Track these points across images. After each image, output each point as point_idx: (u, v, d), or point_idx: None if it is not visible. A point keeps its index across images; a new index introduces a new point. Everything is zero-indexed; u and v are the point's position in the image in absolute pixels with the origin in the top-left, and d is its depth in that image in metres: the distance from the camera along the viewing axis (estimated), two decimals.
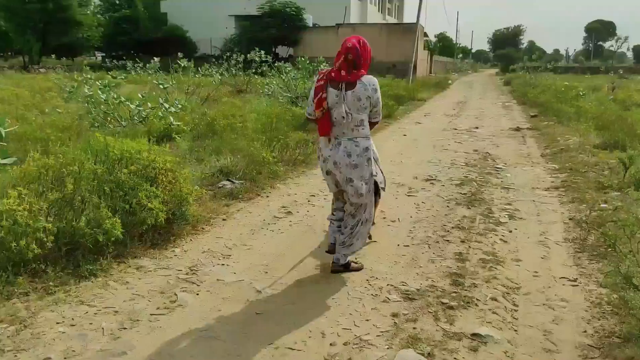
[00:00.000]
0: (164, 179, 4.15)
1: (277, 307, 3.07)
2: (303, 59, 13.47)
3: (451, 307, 3.10)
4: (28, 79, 20.44)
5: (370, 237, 3.99)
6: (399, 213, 4.94)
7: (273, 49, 32.50)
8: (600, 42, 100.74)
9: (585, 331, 2.87)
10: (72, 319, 2.84)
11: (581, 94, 15.76)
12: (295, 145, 7.67)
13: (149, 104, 9.63)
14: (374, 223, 3.87)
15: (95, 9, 41.49)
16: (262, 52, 16.61)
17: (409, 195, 5.58)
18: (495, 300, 3.23)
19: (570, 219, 4.83)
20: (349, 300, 3.18)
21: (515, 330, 2.89)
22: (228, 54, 19.74)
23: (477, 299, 3.22)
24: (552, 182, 6.27)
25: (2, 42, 34.77)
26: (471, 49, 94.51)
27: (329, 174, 3.43)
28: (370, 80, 3.26)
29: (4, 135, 3.03)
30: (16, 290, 3.05)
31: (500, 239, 4.31)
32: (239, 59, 18.46)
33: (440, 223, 4.67)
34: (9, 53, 37.28)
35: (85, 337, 2.66)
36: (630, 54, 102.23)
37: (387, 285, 3.38)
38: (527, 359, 2.62)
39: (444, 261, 3.81)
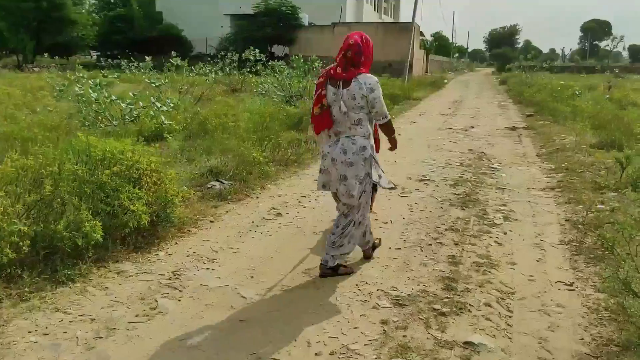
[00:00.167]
0: (149, 180, 4.02)
1: (262, 314, 2.94)
2: (297, 57, 13.34)
3: (443, 314, 2.98)
4: (21, 78, 20.24)
5: (380, 241, 3.93)
6: (391, 214, 4.83)
7: (269, 48, 32.38)
8: (596, 42, 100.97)
9: (582, 339, 2.76)
10: (46, 327, 2.71)
11: (577, 93, 15.70)
12: (288, 144, 7.56)
13: (140, 102, 9.51)
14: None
15: (90, 8, 41.22)
16: (257, 51, 16.50)
17: (402, 196, 5.46)
18: (489, 305, 3.11)
19: (566, 220, 4.72)
20: (337, 306, 3.06)
21: (510, 338, 2.77)
22: (222, 53, 19.61)
23: (470, 305, 3.10)
24: (548, 182, 6.16)
25: None
26: (467, 48, 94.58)
27: (322, 172, 3.38)
28: (367, 79, 3.17)
29: None
30: None
31: (495, 241, 4.19)
32: (233, 57, 18.34)
33: (433, 225, 4.55)
34: (3, 52, 36.96)
35: (58, 348, 2.53)
36: (625, 54, 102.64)
37: (377, 290, 3.26)
38: None
39: (437, 265, 3.69)
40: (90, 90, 9.10)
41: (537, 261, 3.82)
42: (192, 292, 3.19)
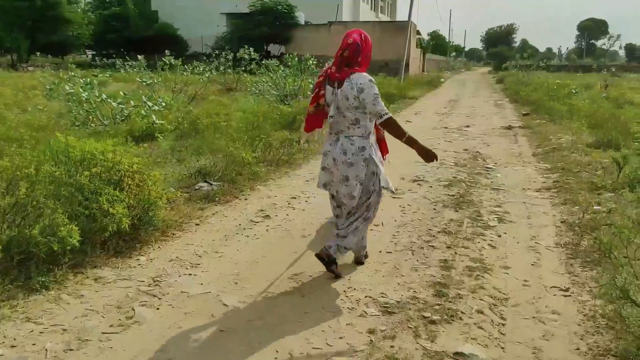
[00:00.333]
0: (131, 182, 3.89)
1: (244, 323, 2.81)
2: (291, 56, 13.22)
3: (433, 322, 2.85)
4: (14, 77, 20.07)
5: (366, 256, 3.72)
6: (383, 216, 4.68)
7: (265, 47, 32.22)
8: (593, 41, 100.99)
9: (578, 348, 2.63)
10: (14, 338, 2.57)
11: (574, 92, 15.60)
12: (280, 144, 7.43)
13: (131, 102, 9.37)
14: None
15: (86, 7, 40.97)
16: (251, 49, 16.37)
17: (394, 198, 5.32)
18: (482, 313, 2.99)
19: (562, 222, 4.61)
20: (323, 314, 2.93)
21: (502, 348, 2.65)
22: (217, 52, 19.46)
23: (461, 312, 2.98)
24: (544, 182, 6.04)
25: None
26: (464, 47, 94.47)
27: (325, 170, 3.32)
28: (359, 78, 3.07)
29: None
30: None
31: (489, 244, 4.07)
32: (228, 56, 18.20)
33: (425, 227, 4.42)
34: None
35: None
36: (622, 52, 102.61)
37: (366, 297, 3.13)
38: None
39: (428, 269, 3.57)
40: (80, 90, 8.97)
41: (532, 265, 3.70)
42: (171, 299, 3.05)
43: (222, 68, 17.92)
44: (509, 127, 10.76)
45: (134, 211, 3.83)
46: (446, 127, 10.81)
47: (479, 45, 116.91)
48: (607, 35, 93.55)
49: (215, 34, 33.21)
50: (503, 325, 2.88)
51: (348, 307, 3.01)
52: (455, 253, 3.87)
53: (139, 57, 15.37)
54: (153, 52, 24.28)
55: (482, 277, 3.46)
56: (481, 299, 3.15)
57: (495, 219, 4.68)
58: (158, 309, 2.93)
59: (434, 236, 4.22)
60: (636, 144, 6.53)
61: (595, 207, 4.84)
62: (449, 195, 5.43)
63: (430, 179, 6.12)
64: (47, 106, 11.05)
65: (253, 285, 3.27)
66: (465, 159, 7.39)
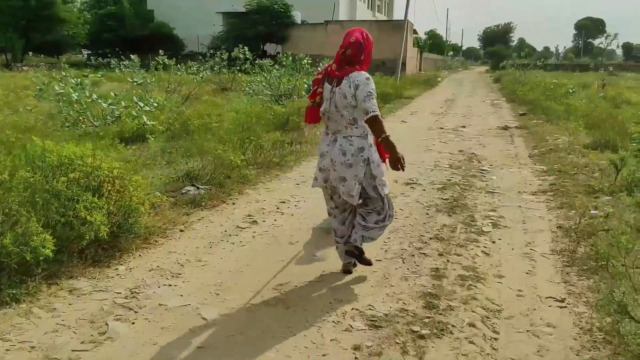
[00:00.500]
0: (111, 188, 3.74)
1: (223, 339, 2.67)
2: (285, 55, 13.07)
3: (422, 337, 2.71)
4: (7, 77, 19.87)
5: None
6: None
7: (261, 47, 32.05)
8: (590, 40, 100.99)
9: None
10: None
11: (571, 91, 15.49)
12: (272, 146, 7.28)
13: (122, 102, 9.22)
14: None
15: (82, 6, 40.68)
16: (246, 49, 16.21)
17: None
18: (474, 326, 2.85)
19: (558, 227, 4.48)
20: (307, 328, 2.79)
21: None
22: (211, 51, 19.30)
23: (452, 325, 2.84)
24: (540, 185, 5.91)
25: None
26: (461, 46, 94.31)
27: (322, 170, 3.27)
28: (356, 76, 3.04)
29: None
30: None
31: (482, 251, 3.94)
32: (223, 56, 18.04)
33: (417, 233, 4.29)
34: None
35: None
36: (619, 51, 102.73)
37: (352, 309, 2.99)
38: None
39: (419, 278, 3.43)
40: (70, 90, 8.82)
41: (527, 273, 3.57)
42: (148, 312, 2.91)
43: (216, 68, 17.76)
44: (505, 128, 10.63)
45: (114, 218, 3.69)
46: (442, 128, 10.68)
47: (476, 44, 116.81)
48: (605, 34, 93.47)
49: (211, 34, 32.98)
50: (496, 339, 2.74)
51: (333, 321, 2.87)
52: (448, 261, 3.73)
53: (132, 56, 15.18)
54: (149, 52, 24.10)
55: (475, 286, 3.33)
56: (473, 311, 3.01)
57: (490, 224, 4.55)
58: (133, 323, 2.79)
59: (426, 243, 4.08)
60: (633, 144, 6.41)
61: (592, 212, 4.70)
62: (442, 199, 5.30)
63: (424, 182, 5.99)
64: (37, 107, 10.90)
65: (235, 297, 3.14)
66: (460, 161, 7.26)
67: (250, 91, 13.34)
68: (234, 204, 5.04)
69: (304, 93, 12.85)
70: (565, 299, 3.18)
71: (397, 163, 3.02)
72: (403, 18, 24.61)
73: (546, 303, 3.13)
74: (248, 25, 31.13)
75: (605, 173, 6.05)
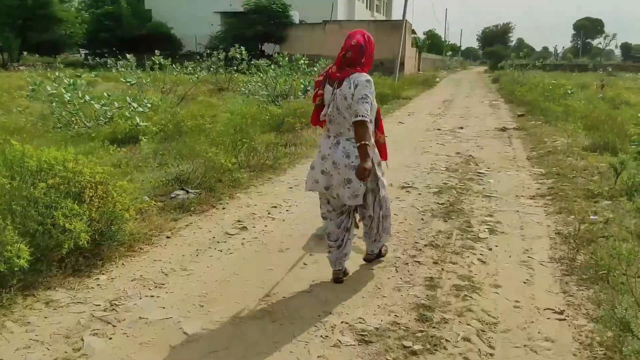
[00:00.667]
0: (93, 194, 3.61)
1: (204, 354, 2.54)
2: (280, 55, 12.95)
3: (414, 353, 2.58)
4: (3, 76, 19.75)
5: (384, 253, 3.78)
6: None
7: (259, 46, 31.90)
8: (589, 40, 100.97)
9: None
10: None
11: (569, 92, 15.37)
12: (265, 148, 7.15)
13: (115, 103, 9.09)
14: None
15: (79, 6, 40.48)
16: (242, 48, 16.08)
17: None
18: (468, 340, 2.72)
19: (557, 233, 4.35)
20: (293, 344, 2.66)
21: None
22: (208, 51, 19.15)
23: (446, 340, 2.71)
24: (538, 189, 5.78)
25: None
26: (460, 46, 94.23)
27: (324, 173, 3.19)
28: (357, 77, 3.02)
29: None
30: None
31: (479, 259, 3.80)
32: (219, 56, 17.90)
33: (412, 240, 4.16)
34: None
35: None
36: (618, 52, 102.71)
37: (342, 322, 2.86)
38: None
39: (412, 289, 3.30)
40: (63, 90, 8.68)
41: (524, 283, 3.44)
42: (127, 326, 2.77)
43: (213, 67, 17.62)
44: (504, 129, 10.50)
45: (96, 225, 3.56)
46: (439, 129, 10.54)
47: (475, 44, 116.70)
48: (603, 35, 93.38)
49: (209, 33, 32.83)
50: (491, 355, 2.61)
51: (322, 335, 2.74)
52: (442, 269, 3.60)
53: (128, 56, 15.02)
54: (146, 52, 23.94)
55: (470, 297, 3.20)
56: (468, 324, 2.88)
57: (486, 230, 4.42)
58: (111, 338, 2.65)
59: (420, 250, 3.95)
60: (633, 147, 6.29)
61: (591, 217, 4.58)
62: (438, 203, 5.17)
63: (420, 185, 5.85)
64: (29, 108, 10.76)
65: (220, 309, 3.00)
66: (457, 163, 7.12)
67: (246, 91, 13.20)
68: (224, 208, 4.90)
69: (300, 94, 12.72)
70: (564, 310, 3.05)
71: (364, 172, 2.89)
72: (401, 18, 24.47)
73: (544, 315, 3.01)
74: (246, 25, 30.99)
75: (604, 176, 5.93)
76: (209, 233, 4.23)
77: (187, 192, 5.12)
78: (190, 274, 3.46)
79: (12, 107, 11.25)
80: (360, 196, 3.16)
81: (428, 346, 2.65)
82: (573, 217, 4.65)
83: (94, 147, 6.56)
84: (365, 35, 3.15)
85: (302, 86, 12.89)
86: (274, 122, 9.17)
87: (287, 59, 13.18)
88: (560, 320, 2.95)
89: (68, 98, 8.54)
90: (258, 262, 3.70)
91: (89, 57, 33.60)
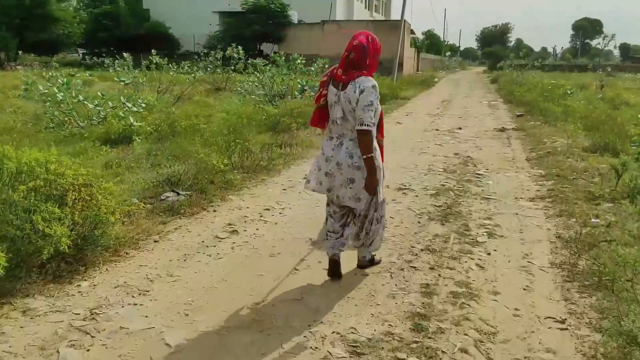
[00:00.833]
0: (76, 197, 3.47)
1: None
2: (278, 55, 12.82)
3: None
4: None
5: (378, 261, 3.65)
6: None
7: (258, 46, 31.76)
8: (588, 40, 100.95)
9: None
10: None
11: (569, 92, 15.25)
12: (260, 149, 7.02)
13: (109, 103, 8.95)
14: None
15: (77, 5, 40.30)
16: (239, 48, 15.95)
17: None
18: (466, 352, 2.59)
19: (557, 237, 4.22)
20: (282, 356, 2.52)
21: None
22: (205, 50, 19.02)
23: (442, 351, 2.58)
24: (538, 190, 5.65)
25: None
26: (459, 46, 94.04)
27: (327, 175, 3.18)
28: (363, 81, 2.98)
29: None
30: None
31: (477, 264, 3.67)
32: (217, 55, 17.78)
33: (408, 244, 4.02)
34: None
35: None
36: (617, 52, 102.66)
37: (333, 332, 2.73)
38: None
39: (407, 296, 3.17)
40: (56, 90, 8.56)
41: (524, 289, 3.31)
42: (106, 337, 2.63)
43: (210, 67, 17.49)
44: (502, 130, 10.37)
45: (80, 229, 3.42)
46: (437, 129, 10.41)
47: (474, 44, 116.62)
48: (602, 35, 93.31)
49: (207, 33, 32.71)
50: None
51: (311, 347, 2.60)
52: (439, 275, 3.47)
53: (125, 55, 14.89)
54: (144, 51, 23.81)
55: (468, 305, 3.07)
56: (465, 334, 2.75)
57: (485, 233, 4.29)
58: (88, 350, 2.52)
59: (416, 255, 3.82)
60: (634, 147, 6.17)
61: (592, 220, 4.45)
62: (435, 206, 5.03)
63: (417, 187, 5.72)
64: (23, 107, 10.63)
65: (206, 318, 2.86)
66: (455, 164, 6.99)
67: (243, 91, 13.06)
68: (215, 211, 4.76)
69: (297, 93, 12.58)
70: (566, 319, 2.91)
71: (374, 185, 3.01)
72: (400, 18, 24.34)
73: (545, 324, 2.87)
74: (244, 24, 30.86)
75: (605, 178, 5.81)
76: (198, 237, 4.09)
77: (178, 194, 4.99)
78: (177, 280, 3.33)
79: (6, 106, 11.13)
80: (363, 201, 3.13)
81: (423, 358, 2.51)
82: (574, 220, 4.53)
83: (85, 147, 6.42)
84: (369, 37, 3.09)
85: (300, 86, 12.76)
86: (270, 122, 9.03)
87: (284, 58, 13.04)
88: (562, 329, 2.82)
89: (61, 98, 8.42)
90: (248, 268, 3.56)
91: (86, 56, 33.40)
